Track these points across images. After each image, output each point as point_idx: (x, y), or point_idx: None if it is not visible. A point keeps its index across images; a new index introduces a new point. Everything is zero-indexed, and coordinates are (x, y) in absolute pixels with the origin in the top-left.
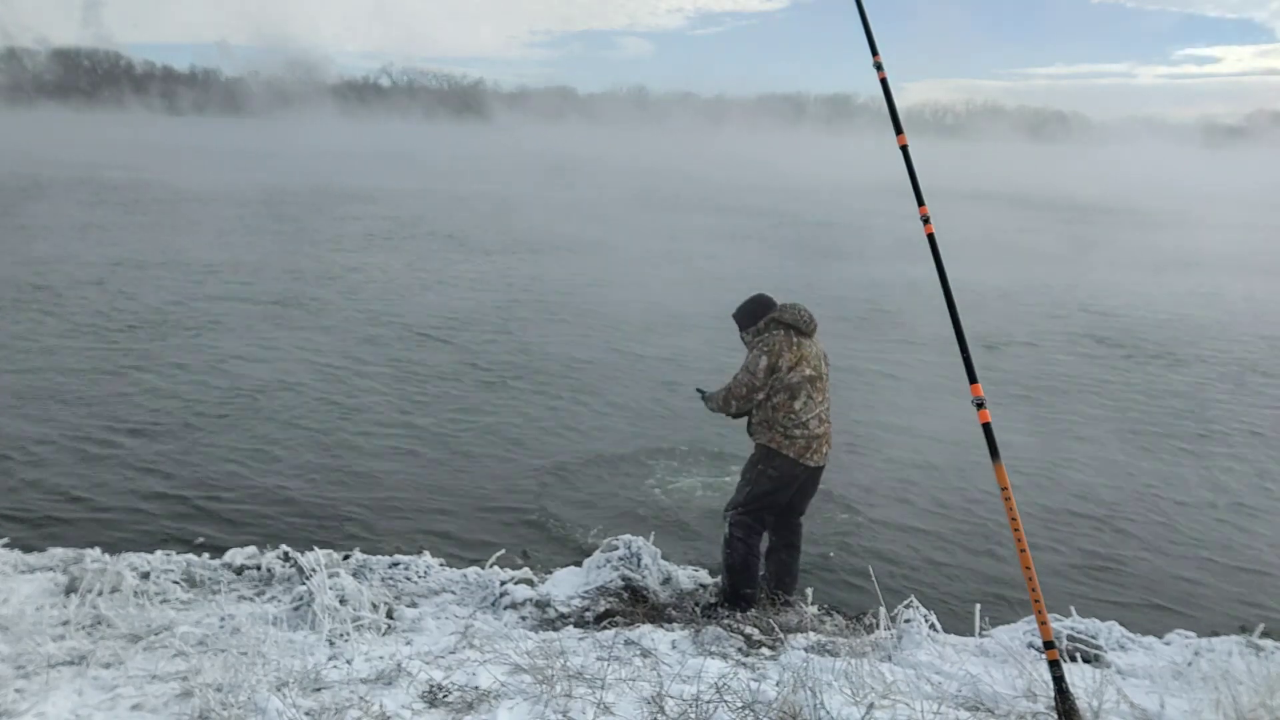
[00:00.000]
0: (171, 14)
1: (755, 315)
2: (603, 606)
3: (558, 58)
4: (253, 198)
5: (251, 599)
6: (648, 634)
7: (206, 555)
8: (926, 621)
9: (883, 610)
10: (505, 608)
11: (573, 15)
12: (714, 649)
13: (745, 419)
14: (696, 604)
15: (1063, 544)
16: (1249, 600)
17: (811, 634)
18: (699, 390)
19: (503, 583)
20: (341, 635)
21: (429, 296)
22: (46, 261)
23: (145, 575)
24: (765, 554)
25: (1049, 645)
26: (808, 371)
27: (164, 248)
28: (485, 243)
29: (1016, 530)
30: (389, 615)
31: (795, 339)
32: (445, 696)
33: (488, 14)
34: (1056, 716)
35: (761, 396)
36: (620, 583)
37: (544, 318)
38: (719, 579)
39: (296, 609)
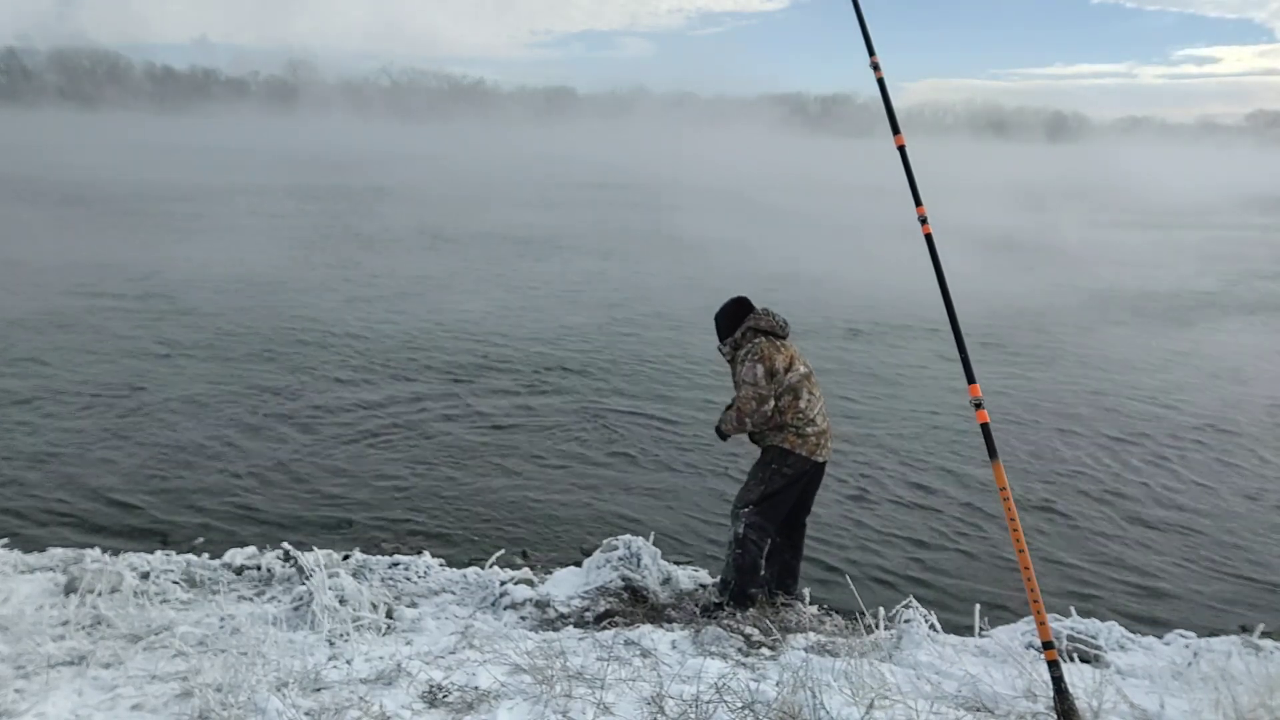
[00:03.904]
0: None
1: (736, 319)
2: (603, 607)
3: (558, 58)
4: None
5: (251, 599)
6: (648, 634)
7: (206, 555)
8: (926, 621)
9: (882, 610)
10: (505, 608)
11: (573, 15)
12: (714, 649)
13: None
14: (696, 604)
15: (1062, 544)
16: (1249, 600)
17: (811, 634)
18: (717, 430)
19: (503, 583)
20: (341, 635)
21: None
22: None
23: (145, 575)
24: (768, 555)
25: (1048, 645)
26: (802, 370)
27: None
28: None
29: (1015, 530)
30: (389, 615)
31: (776, 343)
32: (445, 697)
33: (488, 14)
34: (1056, 717)
35: (771, 405)
36: (620, 583)
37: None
38: (719, 578)
39: (296, 609)
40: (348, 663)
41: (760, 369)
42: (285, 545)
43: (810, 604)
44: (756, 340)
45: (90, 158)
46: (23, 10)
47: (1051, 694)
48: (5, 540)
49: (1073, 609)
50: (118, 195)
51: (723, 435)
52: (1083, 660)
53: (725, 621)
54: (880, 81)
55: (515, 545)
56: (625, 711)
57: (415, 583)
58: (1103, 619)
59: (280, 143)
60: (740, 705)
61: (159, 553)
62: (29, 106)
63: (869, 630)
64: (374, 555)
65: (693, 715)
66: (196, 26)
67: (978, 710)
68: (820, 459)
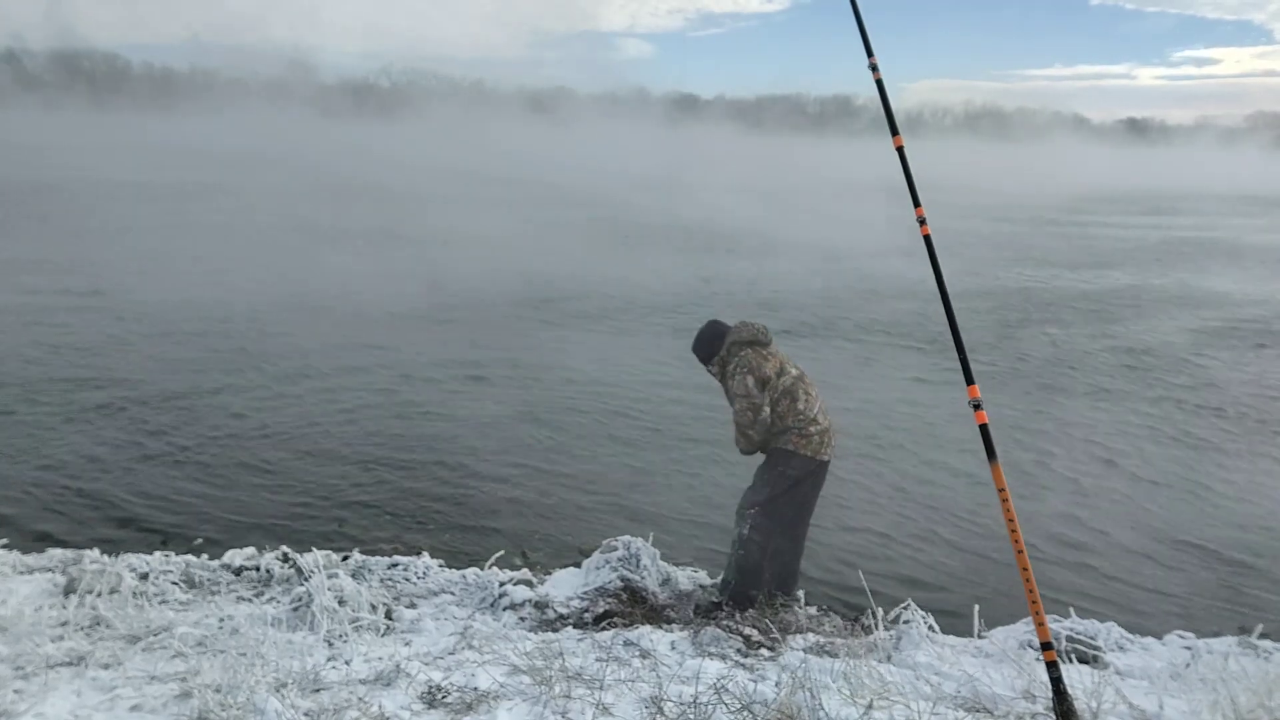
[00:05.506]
0: None
1: (715, 342)
2: (602, 607)
3: (558, 58)
4: None
5: (250, 600)
6: (647, 635)
7: (205, 556)
8: (925, 622)
9: (881, 611)
10: (504, 609)
11: (573, 16)
12: (713, 650)
13: None
14: (695, 605)
15: (1061, 544)
16: (1248, 600)
17: (810, 635)
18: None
19: (502, 583)
20: (340, 636)
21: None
22: None
23: (144, 576)
24: (769, 556)
25: (1046, 646)
26: (794, 372)
27: None
28: None
29: (1014, 531)
30: (388, 616)
31: (762, 351)
32: (444, 697)
33: (487, 14)
34: (1055, 717)
35: (767, 413)
36: (619, 583)
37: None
38: (720, 577)
39: (295, 610)
40: (347, 663)
41: (750, 380)
42: (284, 547)
43: (809, 604)
44: (743, 353)
45: (72, 158)
46: (14, 10)
47: (1050, 695)
48: (4, 541)
49: (1072, 609)
50: (85, 194)
51: (747, 453)
52: (1082, 661)
53: (724, 622)
54: (879, 83)
55: (515, 546)
56: (624, 712)
57: (414, 583)
58: (1101, 619)
59: (272, 143)
60: (739, 706)
61: (158, 553)
62: (9, 106)
63: (868, 631)
64: (373, 556)
65: (691, 716)
66: (192, 26)
67: (977, 711)
68: (825, 457)
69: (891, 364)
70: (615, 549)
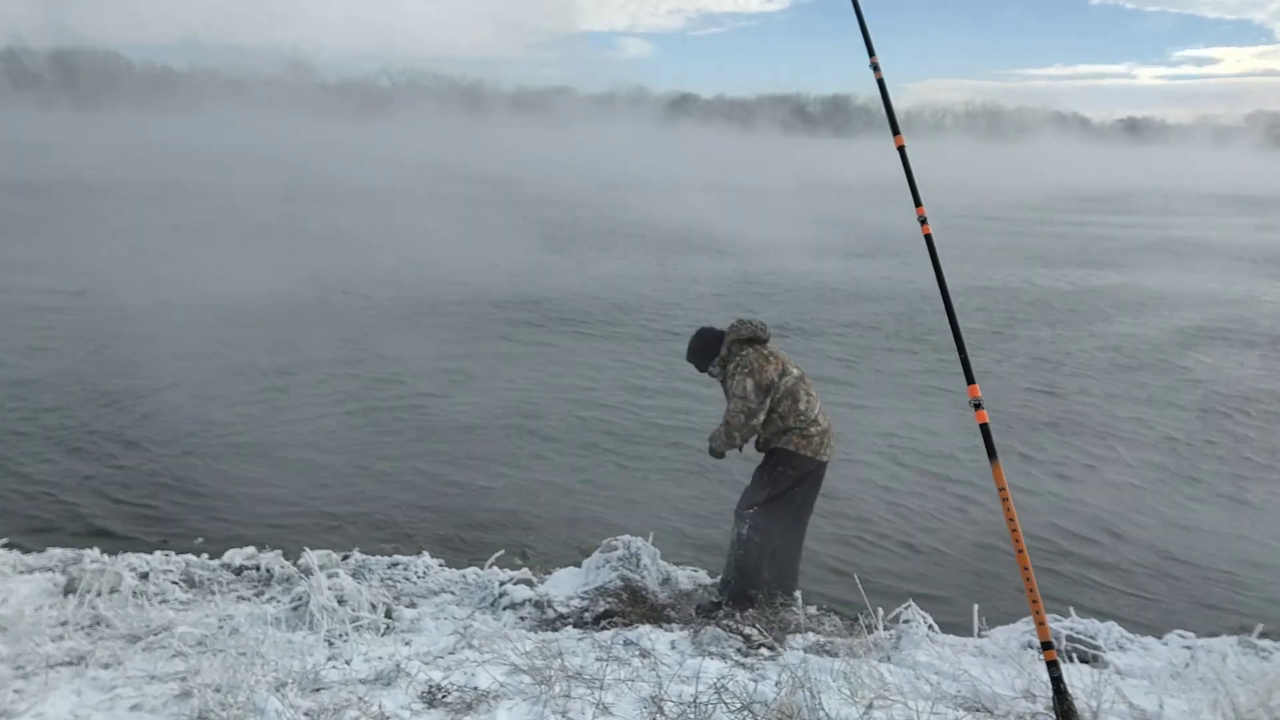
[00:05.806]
0: None
1: (711, 347)
2: (602, 607)
3: (558, 58)
4: None
5: (250, 599)
6: (647, 634)
7: (205, 555)
8: (925, 622)
9: (881, 611)
10: (504, 608)
11: (573, 16)
12: (713, 649)
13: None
14: (696, 604)
15: (1062, 544)
16: (1248, 600)
17: (810, 634)
18: (710, 450)
19: (502, 583)
20: (340, 635)
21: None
22: None
23: (144, 575)
24: (769, 556)
25: (1047, 646)
26: (795, 372)
27: None
28: None
29: (1014, 530)
30: (388, 615)
31: (764, 350)
32: (444, 697)
33: (487, 14)
34: (1055, 717)
35: (761, 419)
36: (619, 583)
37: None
38: (720, 577)
39: (295, 609)
40: (346, 663)
41: (750, 383)
42: (283, 546)
43: (809, 604)
44: (744, 352)
45: (71, 157)
46: (13, 9)
47: (1050, 694)
48: (5, 540)
49: (1072, 609)
50: (82, 193)
51: (716, 454)
52: (1082, 660)
53: (724, 622)
54: (880, 82)
55: (514, 545)
56: (624, 712)
57: (414, 583)
58: (1102, 619)
59: (270, 143)
60: (739, 705)
61: (158, 553)
62: (7, 106)
63: (868, 630)
64: (373, 555)
65: (691, 715)
66: (189, 25)
67: (977, 710)
68: (825, 458)
69: (880, 364)
70: (615, 548)
